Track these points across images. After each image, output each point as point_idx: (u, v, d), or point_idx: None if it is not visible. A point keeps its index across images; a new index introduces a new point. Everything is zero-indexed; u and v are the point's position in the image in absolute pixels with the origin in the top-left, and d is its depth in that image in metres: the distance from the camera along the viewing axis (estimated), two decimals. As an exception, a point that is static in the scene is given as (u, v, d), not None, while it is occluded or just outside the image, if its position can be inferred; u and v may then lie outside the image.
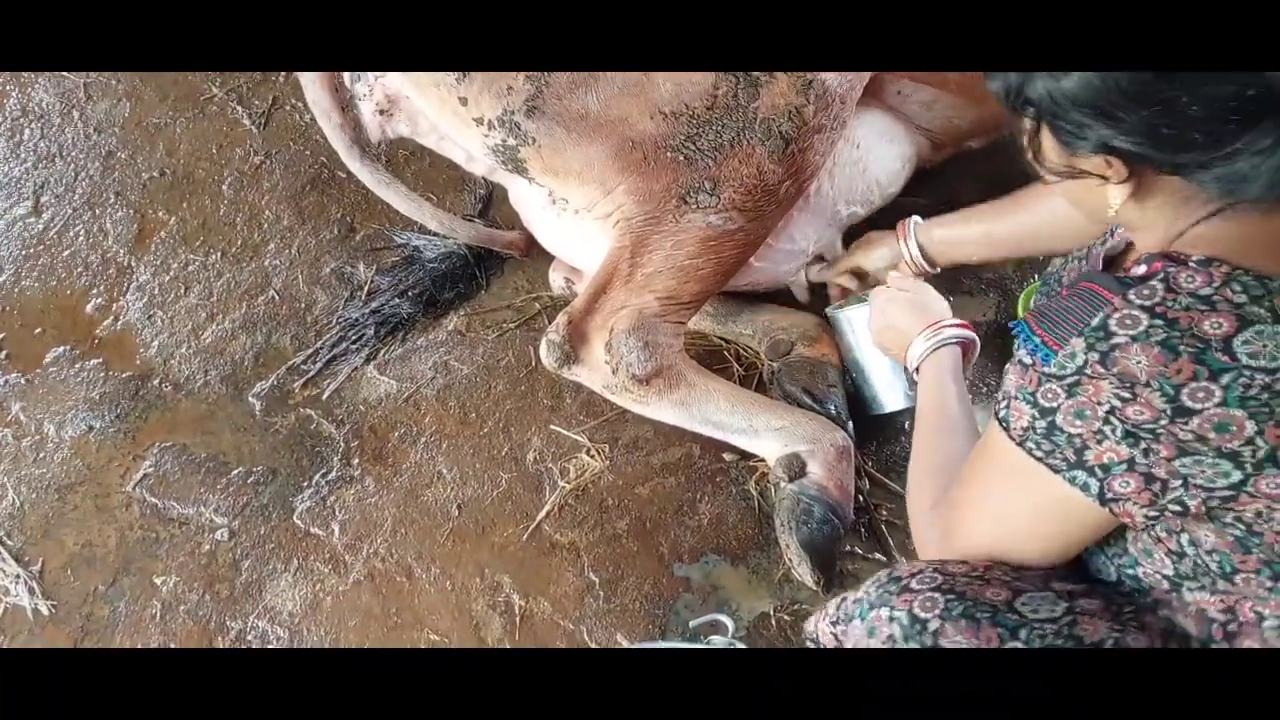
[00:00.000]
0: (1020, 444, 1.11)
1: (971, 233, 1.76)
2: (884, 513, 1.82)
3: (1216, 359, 0.97)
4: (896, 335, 1.61)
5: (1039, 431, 1.08)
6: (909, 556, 1.76)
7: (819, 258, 1.94)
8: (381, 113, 1.76)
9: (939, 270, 1.81)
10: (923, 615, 1.10)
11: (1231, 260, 1.02)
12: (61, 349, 2.07)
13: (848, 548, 1.77)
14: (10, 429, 1.96)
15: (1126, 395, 1.01)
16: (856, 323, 1.79)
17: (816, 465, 1.72)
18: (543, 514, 1.84)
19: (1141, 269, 1.07)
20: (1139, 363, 1.00)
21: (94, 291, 2.14)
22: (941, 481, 1.32)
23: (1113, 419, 1.02)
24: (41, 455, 1.93)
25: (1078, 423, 1.05)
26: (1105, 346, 1.03)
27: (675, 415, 1.78)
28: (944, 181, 2.10)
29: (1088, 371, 1.03)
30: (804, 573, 1.69)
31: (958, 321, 1.56)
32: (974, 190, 2.05)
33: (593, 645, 1.70)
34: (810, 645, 1.39)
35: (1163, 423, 0.99)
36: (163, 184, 2.29)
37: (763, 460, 1.83)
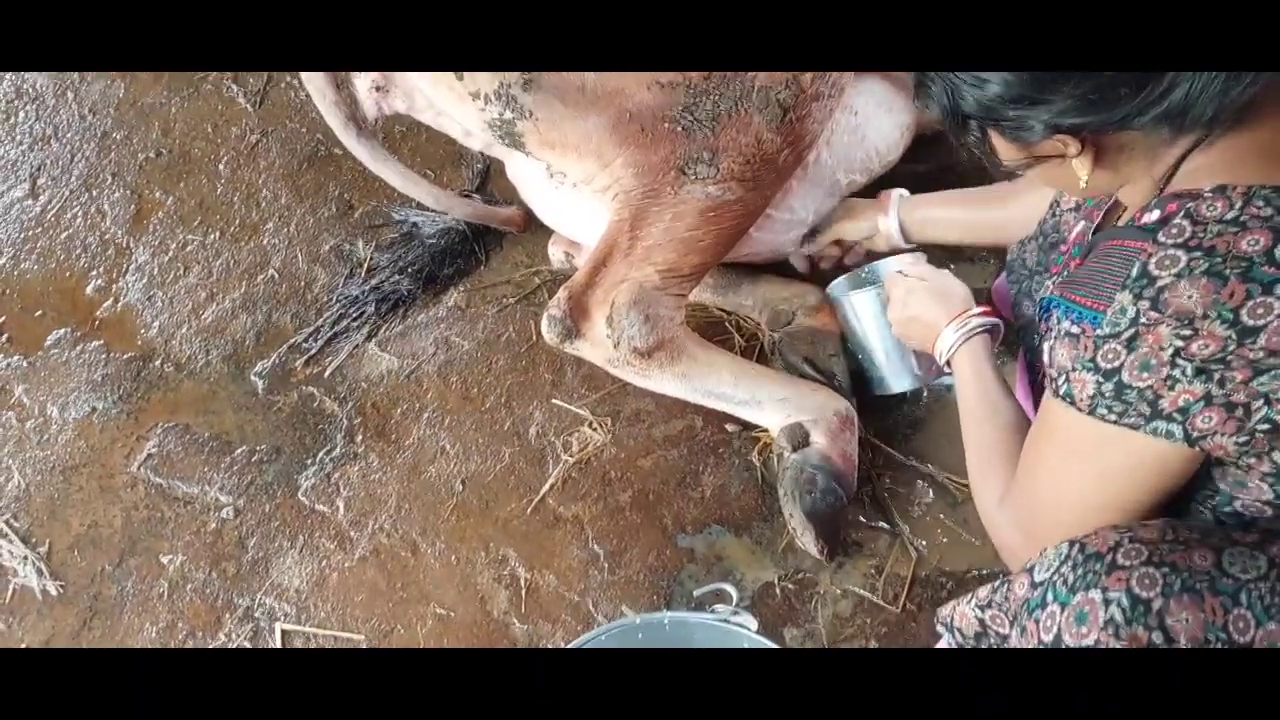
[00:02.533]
0: (1091, 413, 1.09)
1: (958, 216, 1.77)
2: (887, 481, 1.82)
3: (1264, 273, 0.97)
4: (921, 327, 1.59)
5: (1107, 395, 1.07)
6: (912, 525, 1.77)
7: (815, 230, 1.93)
8: (377, 89, 1.75)
9: (914, 246, 1.83)
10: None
11: (1240, 180, 1.03)
12: (62, 331, 2.07)
13: (851, 517, 1.78)
14: (14, 411, 1.97)
15: (1187, 333, 1.00)
16: (860, 307, 1.78)
17: (820, 435, 1.73)
18: (546, 488, 1.84)
19: (1155, 214, 1.07)
20: (1191, 297, 1.00)
21: (93, 273, 2.14)
22: (1003, 470, 1.30)
23: (1179, 360, 1.01)
24: (45, 437, 1.94)
25: (1145, 375, 1.03)
26: (1153, 292, 1.02)
27: (677, 388, 1.78)
28: (943, 148, 2.09)
29: (1142, 321, 1.03)
30: (808, 542, 1.70)
31: (982, 309, 1.54)
32: (973, 158, 2.04)
33: (599, 617, 1.71)
34: (941, 630, 1.34)
35: (1230, 349, 0.99)
36: (159, 164, 2.28)
37: (765, 431, 1.84)
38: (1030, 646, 1.11)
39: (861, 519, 1.78)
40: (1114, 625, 1.01)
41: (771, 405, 1.76)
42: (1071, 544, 1.11)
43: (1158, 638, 1.00)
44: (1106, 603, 1.03)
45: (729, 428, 1.89)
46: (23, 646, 1.72)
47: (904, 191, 1.83)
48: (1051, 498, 1.18)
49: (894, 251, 1.86)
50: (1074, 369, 1.10)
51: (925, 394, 1.92)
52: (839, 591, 1.71)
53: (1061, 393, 1.13)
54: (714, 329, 2.00)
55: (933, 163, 2.03)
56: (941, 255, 1.94)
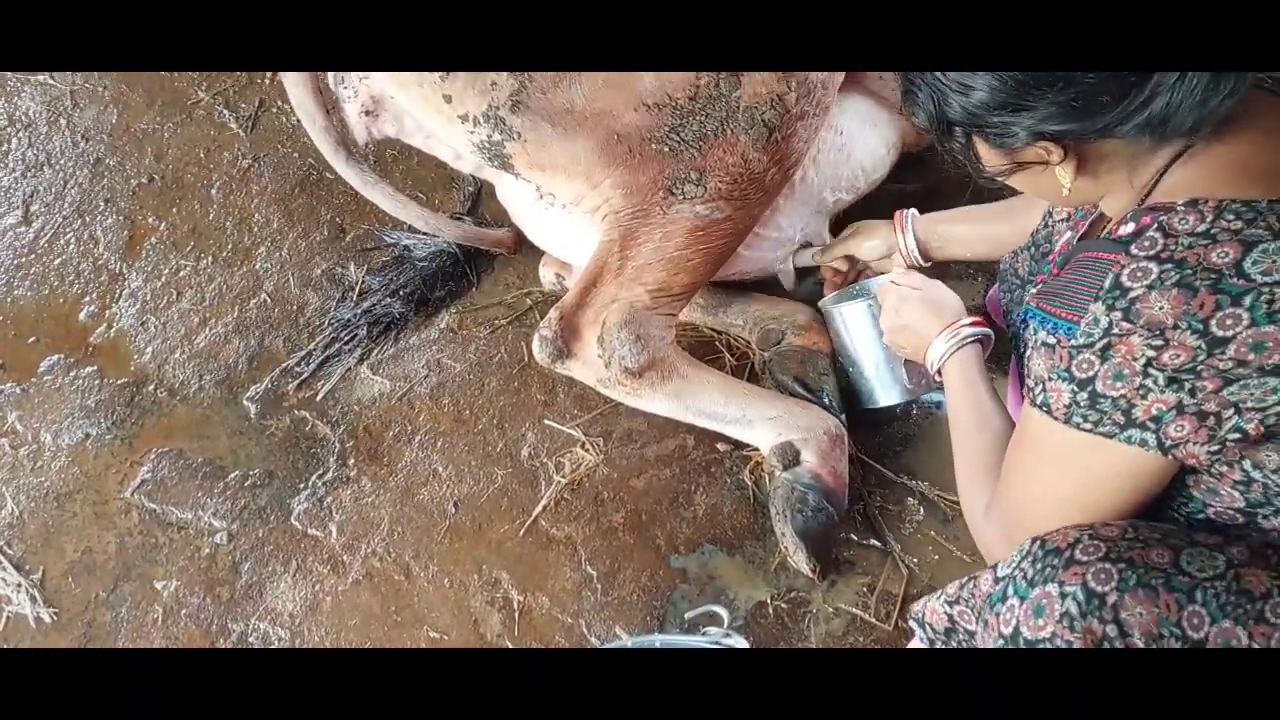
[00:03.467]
0: (1066, 422, 1.11)
1: (977, 231, 1.78)
2: (878, 499, 1.83)
3: (1233, 284, 0.99)
4: (913, 336, 1.60)
5: (1082, 404, 1.09)
6: (904, 543, 1.77)
7: (806, 245, 1.94)
8: (367, 113, 1.76)
9: (930, 264, 1.82)
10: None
11: (1213, 195, 1.05)
12: (56, 357, 2.07)
13: (843, 535, 1.78)
14: (7, 438, 1.97)
15: (1159, 343, 1.02)
16: (851, 319, 1.79)
17: (810, 453, 1.73)
18: (539, 509, 1.85)
19: (1130, 227, 1.09)
20: (1161, 308, 1.02)
21: (86, 299, 2.15)
22: (991, 482, 1.32)
23: (1151, 369, 1.03)
24: (39, 464, 1.94)
25: (1118, 384, 1.05)
26: (1125, 303, 1.04)
27: (668, 407, 1.78)
28: (932, 168, 2.11)
29: (1115, 331, 1.05)
30: (800, 561, 1.70)
31: (974, 319, 1.55)
32: (961, 177, 2.05)
33: (592, 639, 1.70)
34: (914, 626, 1.37)
35: (1200, 358, 1.01)
36: (152, 190, 2.29)
37: (757, 450, 1.84)
38: (990, 640, 1.13)
39: (853, 537, 1.78)
40: (1069, 618, 1.04)
41: (762, 424, 1.77)
42: (1033, 540, 1.13)
43: (1112, 631, 1.02)
44: (1063, 596, 1.05)
45: (720, 447, 1.89)
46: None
47: (914, 211, 1.83)
48: (1030, 504, 1.20)
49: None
50: (1050, 378, 1.12)
51: (915, 411, 1.92)
52: (831, 610, 1.71)
53: (1039, 402, 1.15)
54: (704, 349, 2.01)
55: (920, 183, 2.04)
56: (929, 272, 1.95)
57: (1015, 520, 1.22)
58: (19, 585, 1.80)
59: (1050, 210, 1.56)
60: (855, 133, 1.80)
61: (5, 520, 1.88)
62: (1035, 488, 1.19)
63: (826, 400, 1.82)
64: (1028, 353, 1.19)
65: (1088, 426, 1.10)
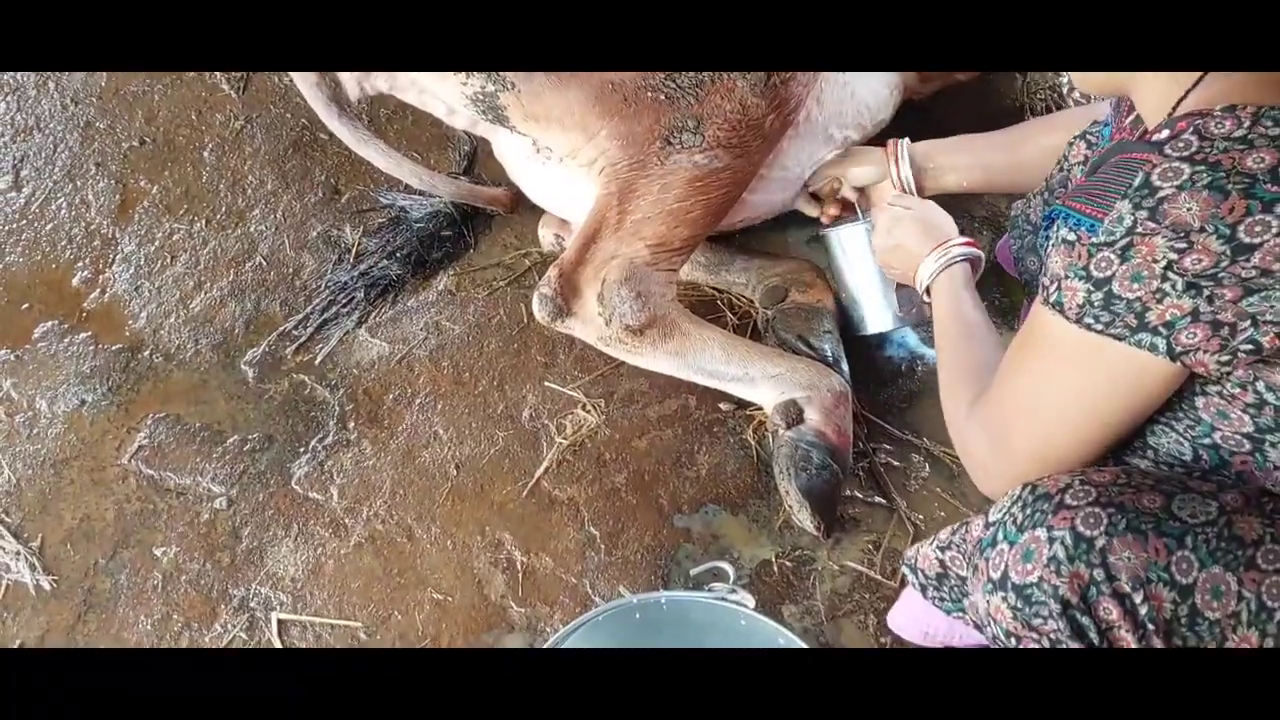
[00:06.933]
0: (1078, 321, 1.08)
1: (973, 160, 1.75)
2: (882, 456, 1.81)
3: (1266, 190, 0.97)
4: (904, 255, 1.59)
5: (1096, 304, 1.06)
6: (909, 499, 1.76)
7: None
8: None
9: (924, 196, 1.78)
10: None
11: (1252, 102, 1.02)
12: (50, 323, 2.05)
13: (847, 492, 1.76)
14: (2, 406, 1.95)
15: (1182, 245, 0.99)
16: (848, 242, 1.78)
17: (814, 411, 1.71)
18: (541, 470, 1.83)
19: (1165, 132, 1.07)
20: (1189, 209, 0.99)
21: (79, 264, 2.12)
22: (974, 383, 1.30)
23: (1171, 273, 1.00)
24: (35, 431, 1.92)
25: (1135, 286, 1.03)
26: (1152, 202, 1.02)
27: (670, 366, 1.76)
28: (935, 117, 2.07)
29: (1139, 230, 1.02)
30: (804, 519, 1.68)
31: (965, 239, 1.54)
32: (965, 125, 2.01)
33: (596, 599, 1.69)
34: (906, 571, 1.37)
35: (1223, 264, 0.98)
36: (143, 153, 2.26)
37: (760, 408, 1.82)
38: (980, 585, 1.12)
39: (858, 494, 1.77)
40: (1056, 562, 1.03)
41: (765, 382, 1.74)
42: (1024, 486, 1.12)
43: (1099, 574, 1.01)
44: (1051, 540, 1.04)
45: (723, 406, 1.87)
46: (17, 644, 1.71)
47: (907, 140, 1.79)
48: (1027, 405, 1.17)
49: None
50: (1066, 276, 1.10)
51: (920, 368, 1.90)
52: (837, 567, 1.70)
53: (1052, 300, 1.12)
54: (706, 308, 1.98)
55: (925, 133, 2.00)
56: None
57: (1007, 421, 1.19)
58: (18, 553, 1.78)
59: (1065, 155, 1.53)
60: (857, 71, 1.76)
61: (2, 488, 1.86)
62: (1035, 388, 1.16)
63: (830, 357, 1.80)
64: (1047, 250, 1.16)
65: (1099, 327, 1.07)
